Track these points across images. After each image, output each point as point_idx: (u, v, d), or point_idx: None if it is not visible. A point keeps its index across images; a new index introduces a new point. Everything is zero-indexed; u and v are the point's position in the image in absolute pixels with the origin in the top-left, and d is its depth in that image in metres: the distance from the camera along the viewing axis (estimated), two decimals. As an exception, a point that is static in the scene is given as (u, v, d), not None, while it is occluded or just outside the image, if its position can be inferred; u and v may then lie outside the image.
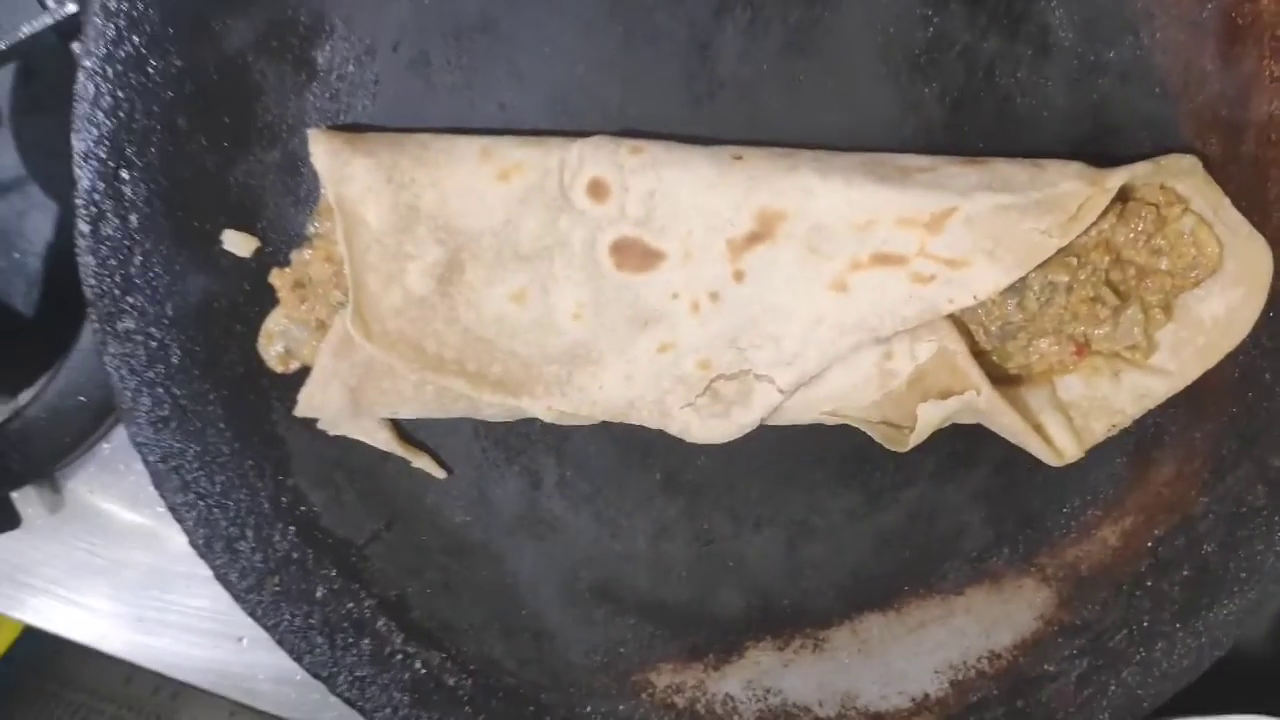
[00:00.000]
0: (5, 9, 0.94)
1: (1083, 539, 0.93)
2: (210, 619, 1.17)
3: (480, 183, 0.83)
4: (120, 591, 1.18)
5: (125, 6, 0.82)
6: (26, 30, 0.92)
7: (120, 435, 1.13)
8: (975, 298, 0.80)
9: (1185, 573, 0.90)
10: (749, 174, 0.83)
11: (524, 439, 0.94)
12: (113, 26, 0.82)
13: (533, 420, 0.89)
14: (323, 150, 0.83)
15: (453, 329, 0.85)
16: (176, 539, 0.94)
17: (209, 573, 0.92)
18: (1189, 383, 0.86)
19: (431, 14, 0.85)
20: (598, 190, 0.83)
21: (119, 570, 1.17)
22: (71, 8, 0.93)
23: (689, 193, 0.83)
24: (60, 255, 1.24)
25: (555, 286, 0.85)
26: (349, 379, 0.86)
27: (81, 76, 0.83)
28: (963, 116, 0.86)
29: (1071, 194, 0.79)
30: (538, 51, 0.86)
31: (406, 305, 0.84)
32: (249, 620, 0.93)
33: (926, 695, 0.95)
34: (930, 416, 0.83)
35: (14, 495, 1.12)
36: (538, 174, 0.83)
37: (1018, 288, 0.81)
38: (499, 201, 0.83)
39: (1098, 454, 0.89)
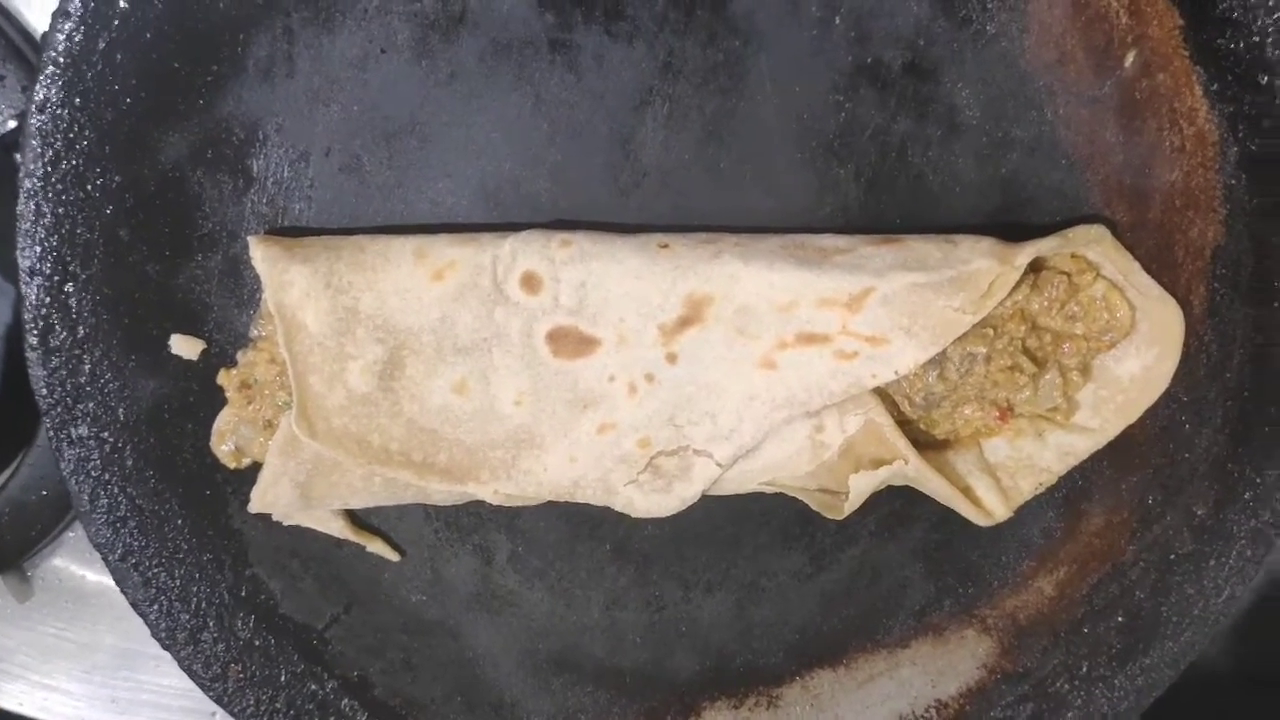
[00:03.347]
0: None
1: (1020, 590, 0.95)
2: (182, 696, 1.20)
3: (416, 283, 0.86)
4: (92, 673, 1.20)
5: (62, 127, 0.85)
6: (-32, 147, 0.94)
7: (84, 523, 1.16)
8: (896, 373, 0.83)
9: (1120, 619, 0.93)
10: (675, 262, 0.86)
11: (475, 518, 0.97)
12: (50, 149, 0.85)
13: (481, 501, 0.92)
14: (261, 257, 0.85)
15: (396, 422, 0.87)
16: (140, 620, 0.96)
17: (177, 655, 0.95)
18: (1111, 439, 0.89)
19: (361, 120, 0.88)
20: (531, 283, 0.86)
21: (90, 653, 1.20)
22: (11, 124, 0.95)
23: (618, 282, 0.86)
24: (7, 333, 1.25)
25: (495, 376, 0.87)
26: (298, 475, 0.88)
27: (23, 197, 0.85)
28: (878, 195, 0.89)
29: (983, 271, 0.82)
30: (465, 150, 0.89)
31: (350, 403, 0.86)
32: (221, 697, 0.95)
33: (879, 746, 0.98)
34: (862, 486, 0.86)
35: (-17, 588, 1.14)
36: (471, 271, 0.86)
37: (938, 360, 0.84)
38: (435, 299, 0.86)
39: (1030, 508, 0.92)
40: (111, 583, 1.15)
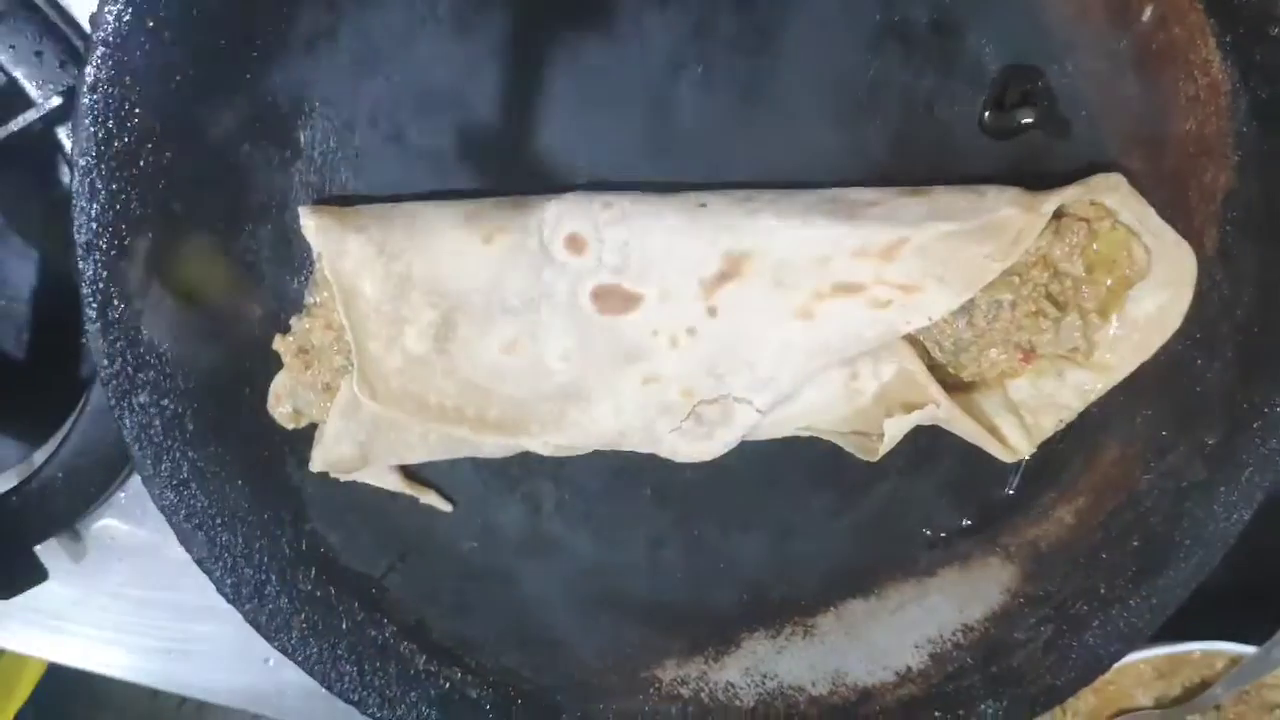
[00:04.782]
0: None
1: (1040, 519, 1.01)
2: (236, 644, 1.24)
3: (466, 247, 0.89)
4: (148, 627, 1.24)
5: (113, 106, 0.87)
6: (16, 125, 0.96)
7: (135, 482, 1.19)
8: (930, 319, 0.87)
9: (1135, 543, 0.99)
10: (714, 220, 0.89)
11: (522, 468, 1.01)
12: (102, 129, 0.87)
13: (529, 451, 0.96)
14: (315, 227, 0.88)
15: (451, 381, 0.91)
16: (194, 574, 0.99)
17: (228, 602, 1.00)
18: (1126, 375, 0.94)
19: (404, 90, 0.91)
20: (575, 244, 0.90)
21: (144, 608, 1.24)
22: (56, 100, 0.97)
23: (659, 241, 0.89)
24: (47, 300, 1.28)
25: (543, 334, 0.91)
26: (358, 435, 0.93)
27: (77, 175, 0.88)
28: (906, 149, 0.93)
29: (1011, 219, 0.86)
30: (506, 116, 0.92)
31: (407, 365, 0.90)
32: (275, 641, 1.00)
33: (909, 668, 1.03)
34: (896, 430, 0.91)
35: (38, 548, 1.18)
36: (518, 234, 0.89)
37: (966, 307, 0.89)
38: (484, 263, 0.89)
39: (1049, 442, 0.97)
40: (161, 539, 1.22)
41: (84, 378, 1.25)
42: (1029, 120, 0.91)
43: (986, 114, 0.91)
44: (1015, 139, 0.92)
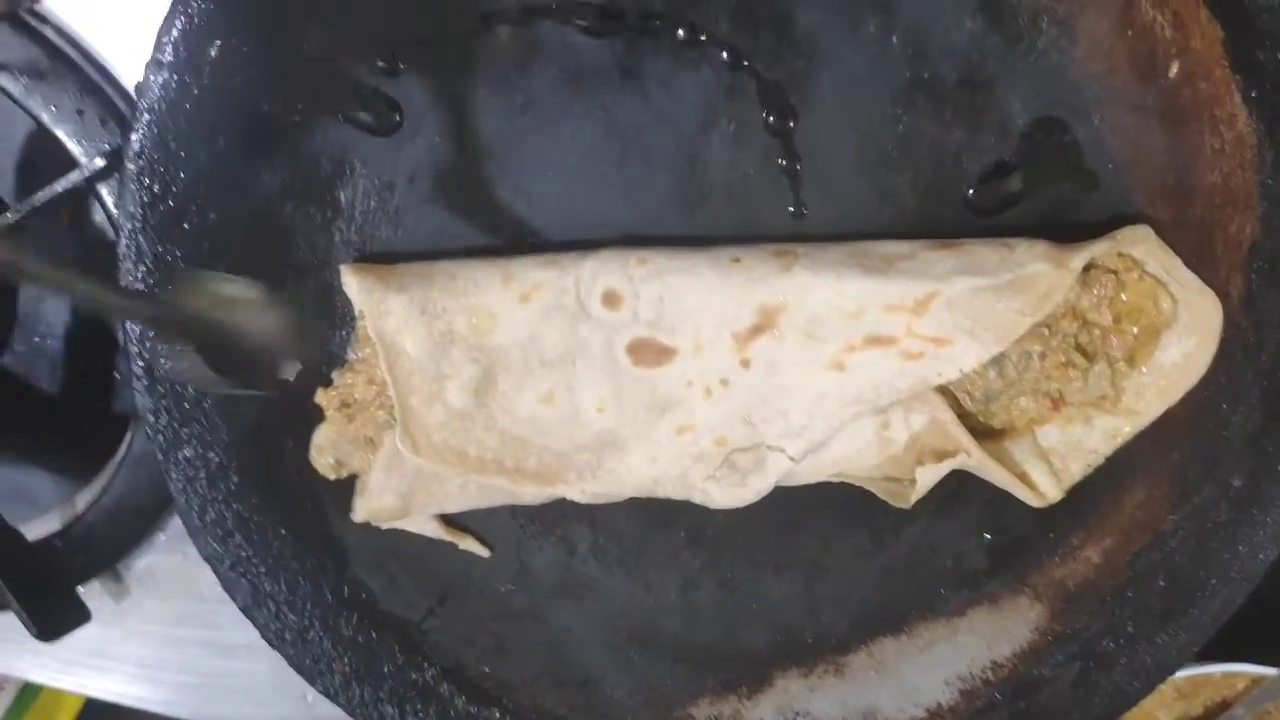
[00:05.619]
0: (40, 162, 0.99)
1: (1068, 559, 1.02)
2: (273, 679, 1.26)
3: (505, 305, 0.91)
4: (185, 664, 1.27)
5: (159, 170, 0.89)
6: (60, 186, 0.98)
7: (174, 524, 1.22)
8: (961, 371, 0.89)
9: (1162, 583, 1.00)
10: (747, 274, 0.91)
11: (558, 514, 1.03)
12: (148, 192, 0.89)
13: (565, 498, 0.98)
14: (357, 288, 0.90)
15: (490, 433, 0.93)
16: (232, 610, 1.02)
17: (267, 639, 1.01)
18: (1152, 420, 0.96)
19: (441, 149, 0.92)
20: (611, 300, 0.92)
21: (182, 646, 1.26)
22: (100, 162, 0.99)
23: (694, 295, 0.91)
24: (79, 338, 1.31)
25: (579, 386, 0.93)
26: (400, 487, 0.95)
27: (124, 238, 0.90)
28: (934, 201, 0.94)
29: (1040, 274, 0.87)
30: (542, 173, 0.94)
31: (449, 419, 0.92)
32: (314, 678, 1.02)
33: (939, 704, 1.05)
34: (928, 478, 0.92)
35: (79, 589, 1.20)
36: (555, 292, 0.91)
37: (997, 359, 0.90)
38: (523, 319, 0.91)
39: (1077, 484, 0.99)
40: (199, 578, 1.24)
41: (118, 415, 1.27)
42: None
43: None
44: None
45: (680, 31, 0.91)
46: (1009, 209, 0.94)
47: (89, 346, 1.31)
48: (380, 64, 0.91)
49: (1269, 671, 1.21)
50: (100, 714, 1.41)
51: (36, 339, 1.33)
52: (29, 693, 1.40)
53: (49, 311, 1.30)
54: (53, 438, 1.32)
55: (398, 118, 0.92)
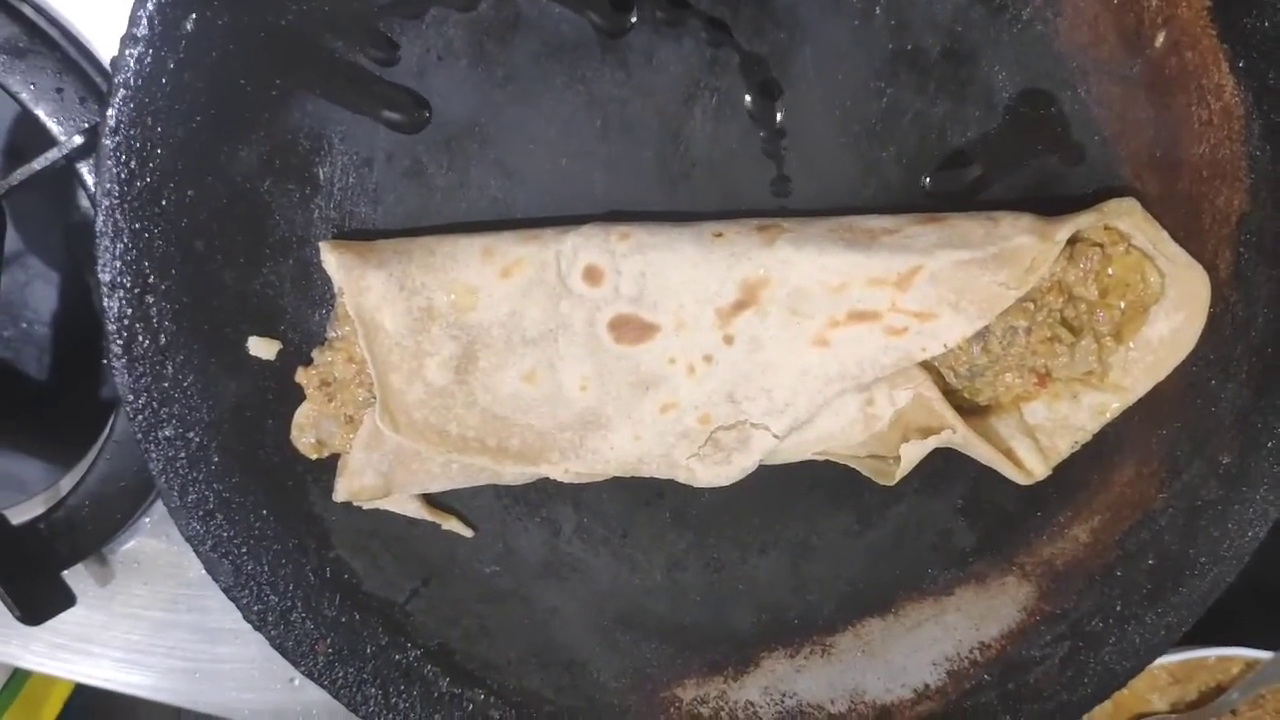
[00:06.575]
0: (17, 141, 0.99)
1: (1056, 538, 1.01)
2: (260, 664, 1.26)
3: (485, 281, 0.90)
4: (173, 649, 1.26)
5: (136, 147, 0.88)
6: (39, 164, 0.97)
7: (160, 508, 1.21)
8: (945, 346, 0.88)
9: (1150, 562, 0.99)
10: (730, 249, 0.90)
11: (542, 493, 1.02)
12: (125, 169, 0.88)
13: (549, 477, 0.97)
14: (336, 264, 0.89)
15: (472, 412, 0.92)
16: (217, 595, 1.01)
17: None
18: (1140, 396, 0.95)
19: (422, 125, 0.91)
20: (592, 275, 0.91)
21: (169, 630, 1.26)
22: (78, 139, 0.98)
23: (676, 271, 0.90)
24: (66, 322, 1.30)
25: (561, 364, 0.92)
26: (381, 465, 0.94)
27: (101, 215, 0.89)
28: (919, 175, 0.93)
29: (1025, 247, 0.86)
30: (523, 148, 0.93)
31: (429, 396, 0.91)
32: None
33: (926, 685, 1.04)
34: (913, 455, 0.92)
35: (65, 573, 1.19)
36: (536, 267, 0.90)
37: (982, 333, 0.89)
38: (504, 295, 0.90)
39: (1065, 462, 0.98)
40: (186, 563, 1.23)
41: (105, 400, 1.26)
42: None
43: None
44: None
45: (661, 3, 0.90)
46: (995, 184, 0.93)
47: (76, 332, 1.31)
48: (358, 37, 0.90)
49: (1263, 655, 1.21)
50: (89, 700, 1.41)
51: (24, 324, 1.32)
52: (18, 678, 1.40)
53: (34, 297, 1.30)
54: (40, 423, 1.31)
55: (378, 93, 0.91)
